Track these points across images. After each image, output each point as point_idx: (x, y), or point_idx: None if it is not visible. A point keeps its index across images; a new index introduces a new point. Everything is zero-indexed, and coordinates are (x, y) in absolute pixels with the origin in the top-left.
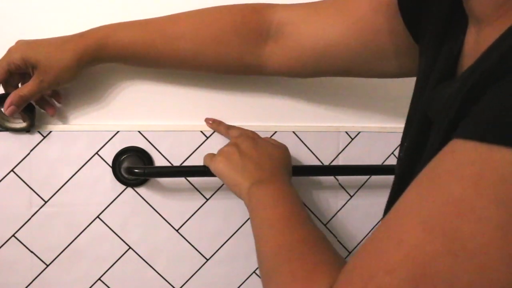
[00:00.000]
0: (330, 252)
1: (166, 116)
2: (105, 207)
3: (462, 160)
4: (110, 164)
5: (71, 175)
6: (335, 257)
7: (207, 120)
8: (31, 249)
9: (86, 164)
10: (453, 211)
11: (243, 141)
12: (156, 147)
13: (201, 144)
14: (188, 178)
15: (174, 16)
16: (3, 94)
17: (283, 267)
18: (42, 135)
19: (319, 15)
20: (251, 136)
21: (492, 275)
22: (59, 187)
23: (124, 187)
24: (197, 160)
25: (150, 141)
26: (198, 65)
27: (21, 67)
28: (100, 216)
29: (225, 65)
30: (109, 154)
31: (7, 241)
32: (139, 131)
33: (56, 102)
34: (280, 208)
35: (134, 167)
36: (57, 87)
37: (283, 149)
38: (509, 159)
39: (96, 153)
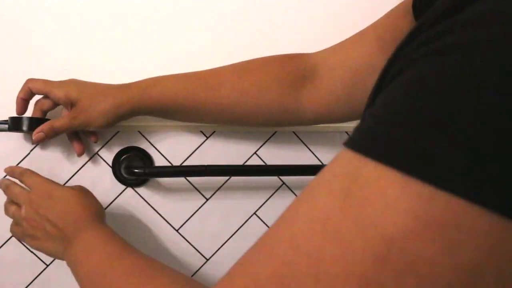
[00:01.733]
0: (163, 276)
1: None
2: (105, 207)
3: (338, 171)
4: (110, 164)
5: (71, 175)
6: (173, 277)
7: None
8: (31, 249)
9: (86, 164)
10: (320, 229)
11: (27, 214)
12: (156, 147)
13: (201, 144)
14: (188, 178)
15: (216, 68)
16: (32, 117)
17: None
18: None
19: (344, 46)
20: (28, 203)
21: None
22: None
23: (124, 187)
24: (197, 160)
25: (150, 141)
26: (239, 114)
27: (60, 102)
28: None
29: (265, 112)
30: (109, 154)
31: (7, 241)
32: (139, 131)
33: (93, 140)
34: (95, 260)
35: (134, 167)
36: (87, 128)
37: (76, 193)
38: (375, 175)
39: (96, 153)
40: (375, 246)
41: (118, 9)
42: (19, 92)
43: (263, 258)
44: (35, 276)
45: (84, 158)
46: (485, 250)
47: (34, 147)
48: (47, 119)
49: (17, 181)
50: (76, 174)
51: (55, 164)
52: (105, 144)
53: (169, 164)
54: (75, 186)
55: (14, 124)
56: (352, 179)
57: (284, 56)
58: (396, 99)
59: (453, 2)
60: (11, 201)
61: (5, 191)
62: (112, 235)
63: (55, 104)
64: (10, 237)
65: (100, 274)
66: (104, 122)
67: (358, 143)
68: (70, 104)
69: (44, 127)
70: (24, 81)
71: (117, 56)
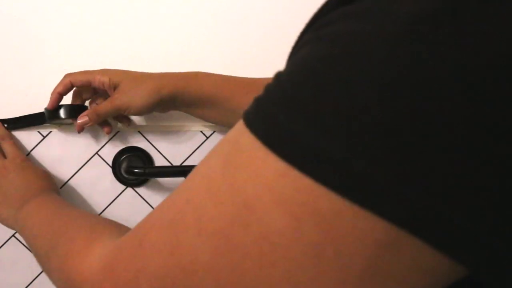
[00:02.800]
0: (102, 224)
1: (166, 116)
2: (105, 207)
3: (230, 136)
4: (110, 164)
5: (71, 175)
6: (110, 225)
7: None
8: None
9: (86, 164)
10: (205, 188)
11: None
12: (156, 147)
13: (201, 144)
14: None
15: (254, 78)
16: (71, 104)
17: (56, 250)
18: (42, 135)
19: None
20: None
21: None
22: (59, 187)
23: (124, 187)
24: (197, 160)
25: (150, 141)
26: None
27: (105, 86)
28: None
29: None
30: (109, 154)
31: (7, 241)
32: (139, 131)
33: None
34: (43, 212)
35: (134, 167)
36: (128, 111)
37: (42, 170)
38: (249, 145)
39: (96, 153)
40: (241, 211)
41: (119, 9)
42: (57, 87)
43: (168, 204)
44: (35, 276)
45: (84, 158)
46: (325, 231)
47: (34, 147)
48: (86, 106)
49: None
50: (76, 174)
51: (56, 164)
52: (105, 144)
53: (169, 164)
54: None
55: (52, 113)
56: (234, 146)
57: None
58: (276, 78)
59: None
60: None
61: None
62: (61, 199)
63: (94, 93)
64: (10, 237)
65: (46, 225)
66: (145, 104)
67: (246, 112)
68: (114, 87)
69: (88, 112)
70: (23, 80)
71: (117, 55)
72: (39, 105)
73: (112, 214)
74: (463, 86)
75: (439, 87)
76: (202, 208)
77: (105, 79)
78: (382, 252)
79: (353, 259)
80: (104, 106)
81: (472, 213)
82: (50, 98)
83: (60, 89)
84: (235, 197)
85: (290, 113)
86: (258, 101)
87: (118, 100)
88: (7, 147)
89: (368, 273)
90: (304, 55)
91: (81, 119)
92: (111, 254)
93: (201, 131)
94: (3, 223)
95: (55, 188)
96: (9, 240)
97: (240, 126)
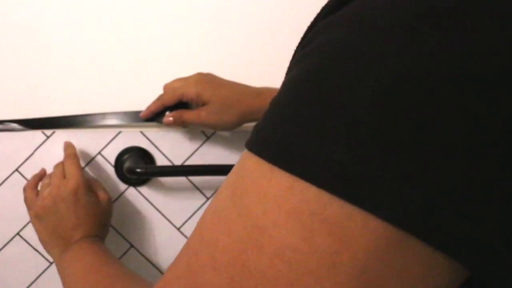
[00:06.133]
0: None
1: None
2: None
3: (237, 166)
4: (113, 164)
5: None
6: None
7: None
8: (35, 247)
9: (89, 164)
10: (217, 221)
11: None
12: (158, 147)
13: (201, 144)
14: (189, 177)
15: None
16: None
17: None
18: (46, 135)
19: None
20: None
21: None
22: None
23: (127, 186)
24: (198, 160)
25: (152, 141)
26: None
27: (193, 100)
28: None
29: None
30: (112, 154)
31: (11, 239)
32: (141, 131)
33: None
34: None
35: (136, 167)
36: (212, 129)
37: (97, 207)
38: (252, 167)
39: (99, 153)
40: (252, 234)
41: (121, 10)
42: (167, 100)
43: (184, 249)
44: (39, 274)
45: (87, 157)
46: (338, 237)
47: (38, 147)
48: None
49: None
50: None
51: None
52: (107, 144)
53: (171, 164)
54: (105, 194)
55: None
56: (240, 173)
57: None
58: (270, 104)
59: (334, 2)
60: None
61: (54, 167)
62: (101, 249)
63: (179, 100)
64: (14, 236)
65: (82, 277)
66: (229, 127)
67: (247, 141)
68: (202, 103)
69: (175, 114)
70: (24, 80)
71: (120, 55)
72: (43, 106)
73: (115, 212)
74: (463, 84)
75: (438, 86)
76: (215, 242)
77: (193, 96)
78: (393, 255)
79: (369, 262)
80: (191, 118)
81: (475, 215)
82: (148, 110)
83: (170, 100)
84: (246, 222)
85: (288, 128)
86: (256, 127)
87: (205, 118)
88: (68, 167)
89: (384, 276)
90: (293, 75)
91: (167, 119)
92: None
93: (202, 131)
94: (46, 249)
95: (102, 227)
96: (14, 238)
97: (243, 155)
